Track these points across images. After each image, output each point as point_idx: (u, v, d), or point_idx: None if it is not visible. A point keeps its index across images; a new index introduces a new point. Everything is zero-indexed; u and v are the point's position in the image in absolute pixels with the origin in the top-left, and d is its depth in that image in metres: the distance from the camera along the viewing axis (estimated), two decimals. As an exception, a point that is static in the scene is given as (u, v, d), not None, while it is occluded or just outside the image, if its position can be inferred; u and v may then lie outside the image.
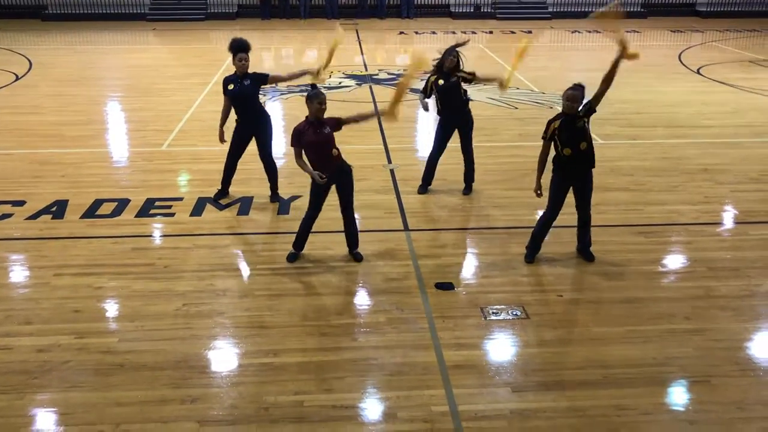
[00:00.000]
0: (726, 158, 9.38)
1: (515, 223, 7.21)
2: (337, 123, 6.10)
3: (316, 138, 5.96)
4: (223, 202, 7.74)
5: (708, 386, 4.66)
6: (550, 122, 6.04)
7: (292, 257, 6.38)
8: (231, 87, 7.30)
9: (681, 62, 16.40)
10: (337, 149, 6.10)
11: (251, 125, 7.49)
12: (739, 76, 14.67)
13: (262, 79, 7.38)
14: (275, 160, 7.79)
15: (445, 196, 7.95)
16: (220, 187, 7.82)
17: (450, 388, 4.61)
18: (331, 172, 6.05)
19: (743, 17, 24.67)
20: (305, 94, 6.12)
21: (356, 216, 6.44)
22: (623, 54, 5.96)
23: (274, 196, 7.82)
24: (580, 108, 5.93)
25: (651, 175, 8.61)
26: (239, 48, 7.25)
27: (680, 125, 10.92)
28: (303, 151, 6.03)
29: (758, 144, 10.02)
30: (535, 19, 24.24)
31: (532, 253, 6.35)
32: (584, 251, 6.39)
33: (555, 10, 25.01)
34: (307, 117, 6.01)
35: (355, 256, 6.40)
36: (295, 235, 6.41)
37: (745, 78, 14.47)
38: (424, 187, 8.01)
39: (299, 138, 5.98)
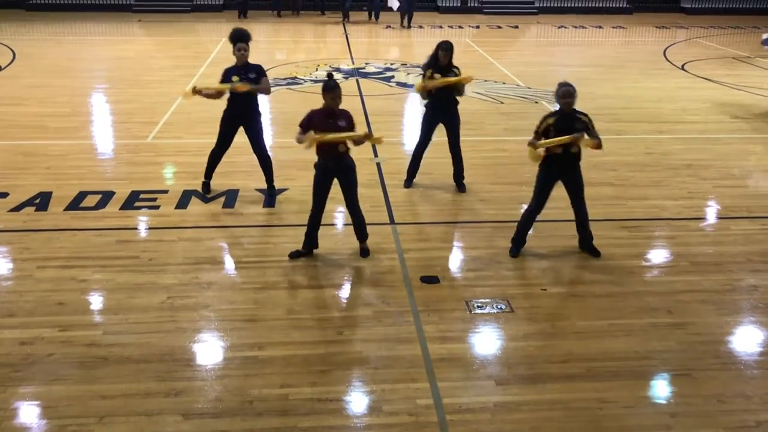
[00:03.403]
0: (709, 154, 9.47)
1: (500, 217, 7.25)
2: (352, 124, 5.99)
3: (326, 128, 5.85)
4: (209, 195, 7.70)
5: (689, 379, 4.72)
6: (545, 117, 6.06)
7: (296, 254, 6.26)
8: (236, 79, 7.16)
9: (666, 58, 16.49)
10: (347, 146, 6.01)
11: (243, 117, 7.42)
12: (722, 72, 14.79)
13: (263, 74, 7.34)
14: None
15: (431, 189, 7.97)
16: (204, 180, 7.77)
17: (435, 381, 4.64)
18: (334, 164, 6.00)
19: (727, 14, 24.84)
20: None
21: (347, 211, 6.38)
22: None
23: (271, 188, 7.78)
24: (583, 117, 5.98)
25: (635, 170, 8.67)
26: (239, 38, 7.18)
27: (664, 121, 11.00)
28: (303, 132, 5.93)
29: (741, 140, 10.12)
30: (522, 14, 24.27)
31: (517, 247, 6.38)
32: (588, 247, 6.43)
33: (541, 5, 25.06)
34: (323, 105, 5.93)
35: (362, 252, 6.36)
36: (282, 227, 6.38)
37: (729, 74, 14.59)
38: (410, 180, 8.01)
39: (309, 122, 5.89)
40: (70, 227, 6.91)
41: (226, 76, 7.25)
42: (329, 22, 21.25)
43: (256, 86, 7.23)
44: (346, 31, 18.78)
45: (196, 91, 7.29)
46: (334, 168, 6.04)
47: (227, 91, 7.17)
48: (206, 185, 7.77)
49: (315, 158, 6.09)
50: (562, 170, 6.12)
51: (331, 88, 5.84)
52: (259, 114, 7.55)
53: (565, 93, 5.92)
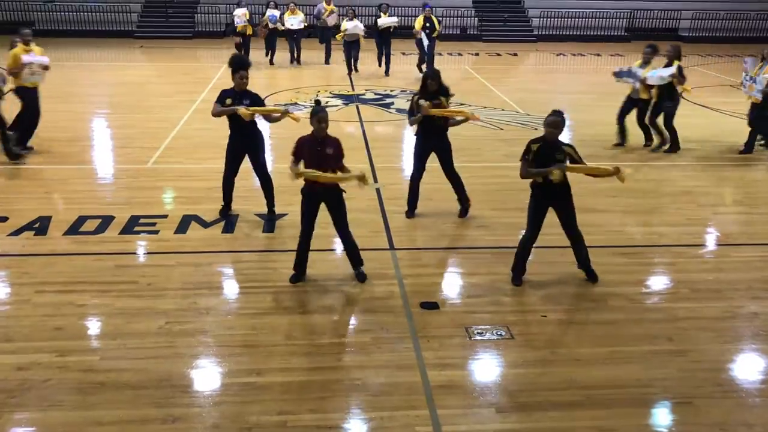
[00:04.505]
0: (708, 180, 9.50)
1: (500, 243, 7.24)
2: (340, 152, 6.04)
3: (312, 154, 5.90)
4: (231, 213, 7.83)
5: (691, 407, 4.68)
6: (530, 143, 6.08)
7: (294, 278, 6.30)
8: (229, 102, 7.31)
9: (664, 86, 16.58)
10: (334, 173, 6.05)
11: (245, 141, 7.52)
12: (720, 99, 14.89)
13: (261, 102, 7.47)
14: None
15: (431, 215, 7.96)
16: (223, 204, 7.84)
17: (434, 409, 4.59)
18: (322, 193, 6.04)
19: (724, 42, 25.11)
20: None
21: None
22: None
23: (271, 212, 7.83)
24: (563, 143, 6.01)
25: (634, 197, 8.68)
26: (241, 66, 7.32)
27: (665, 147, 11.03)
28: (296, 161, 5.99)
29: (739, 167, 10.16)
30: (521, 42, 24.51)
31: (518, 275, 6.36)
32: (585, 270, 6.42)
33: (540, 33, 25.33)
34: (312, 132, 5.99)
35: (358, 276, 6.36)
36: (281, 252, 6.38)
37: (726, 102, 14.68)
38: (411, 211, 7.97)
39: (299, 150, 5.95)
40: (69, 252, 6.90)
41: (221, 99, 7.37)
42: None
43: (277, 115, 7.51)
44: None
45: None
46: (321, 192, 6.06)
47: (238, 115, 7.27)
48: (227, 208, 7.85)
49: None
50: (552, 197, 6.13)
51: (316, 112, 5.92)
52: (262, 139, 7.67)
53: (553, 123, 5.95)
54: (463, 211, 7.95)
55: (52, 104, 13.50)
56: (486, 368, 5.13)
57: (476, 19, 25.83)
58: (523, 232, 6.35)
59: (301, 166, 5.96)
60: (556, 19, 25.65)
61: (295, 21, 18.34)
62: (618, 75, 10.91)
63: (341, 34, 17.05)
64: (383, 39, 17.47)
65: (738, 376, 5.09)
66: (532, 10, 26.28)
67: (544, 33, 25.28)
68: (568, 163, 6.00)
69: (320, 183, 5.95)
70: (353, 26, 16.92)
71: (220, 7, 24.27)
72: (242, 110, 7.18)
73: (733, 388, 4.92)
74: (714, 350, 5.38)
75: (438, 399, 4.69)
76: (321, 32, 18.98)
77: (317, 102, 6.15)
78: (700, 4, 26.52)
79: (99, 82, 16.27)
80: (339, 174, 5.99)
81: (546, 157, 5.95)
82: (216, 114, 7.39)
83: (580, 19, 25.68)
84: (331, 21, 18.42)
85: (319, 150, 5.90)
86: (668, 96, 10.42)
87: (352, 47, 17.14)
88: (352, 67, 17.46)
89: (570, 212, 6.20)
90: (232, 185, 7.78)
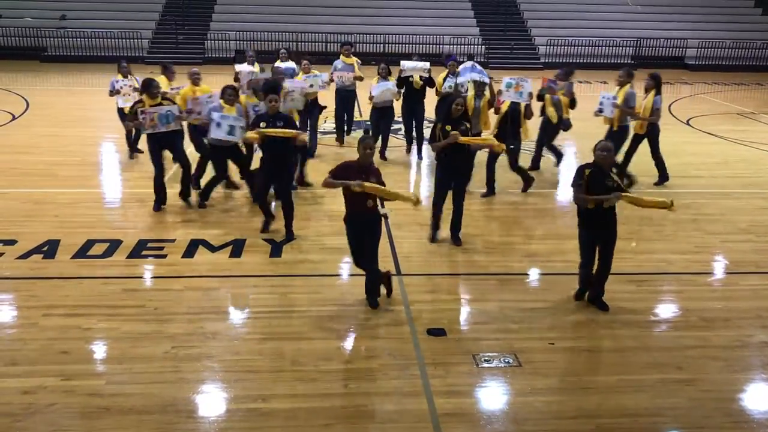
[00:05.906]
0: (715, 208, 9.47)
1: (508, 269, 7.22)
2: (382, 184, 6.09)
3: (356, 180, 5.91)
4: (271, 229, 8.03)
5: (701, 438, 4.63)
6: (582, 168, 6.08)
7: (373, 303, 6.32)
8: (263, 125, 7.60)
9: (671, 113, 16.65)
10: (374, 201, 6.09)
11: (278, 163, 7.73)
12: (727, 127, 14.92)
13: (293, 125, 7.76)
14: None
15: (439, 241, 7.94)
16: (264, 219, 8.06)
17: (441, 437, 4.55)
18: (361, 216, 6.10)
19: (730, 71, 25.22)
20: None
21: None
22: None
23: (289, 233, 7.94)
24: (617, 172, 6.08)
25: (642, 224, 8.67)
26: (271, 90, 7.68)
27: (670, 175, 11.02)
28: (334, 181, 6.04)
29: (747, 194, 10.14)
30: (527, 69, 24.64)
31: (580, 295, 6.49)
32: (597, 302, 6.41)
33: (547, 60, 25.49)
34: (358, 158, 6.07)
35: (371, 304, 6.33)
36: (288, 277, 6.38)
37: (733, 129, 14.71)
38: (435, 235, 7.95)
39: (343, 172, 5.99)
40: (76, 275, 6.91)
41: (256, 123, 7.67)
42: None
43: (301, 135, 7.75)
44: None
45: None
46: (361, 221, 6.11)
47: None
48: (267, 223, 8.09)
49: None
50: (600, 226, 6.14)
51: (364, 140, 6.05)
52: (292, 164, 8.00)
53: (604, 147, 6.01)
54: (456, 239, 7.89)
55: (61, 128, 13.68)
56: (493, 396, 5.08)
57: (483, 47, 26.04)
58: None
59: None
60: (562, 47, 25.83)
61: (315, 82, 11.02)
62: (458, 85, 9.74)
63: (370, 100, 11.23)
64: (410, 103, 11.51)
65: (748, 406, 5.03)
66: (538, 38, 26.50)
67: (550, 61, 25.44)
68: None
69: (364, 211, 6.05)
70: (381, 90, 11.08)
71: (230, 33, 24.57)
72: (250, 134, 7.55)
73: (743, 419, 4.86)
74: (724, 380, 5.32)
75: (445, 427, 4.65)
76: (340, 98, 12.12)
77: (366, 131, 6.26)
78: (706, 33, 26.72)
79: (108, 107, 16.32)
80: (398, 191, 6.19)
81: (597, 183, 5.97)
82: (245, 142, 8.00)
83: (587, 47, 25.86)
84: (346, 80, 12.00)
85: (363, 177, 5.94)
86: (512, 134, 9.38)
87: (381, 118, 11.14)
88: (384, 152, 11.32)
89: (612, 240, 6.21)
90: (266, 198, 8.10)
